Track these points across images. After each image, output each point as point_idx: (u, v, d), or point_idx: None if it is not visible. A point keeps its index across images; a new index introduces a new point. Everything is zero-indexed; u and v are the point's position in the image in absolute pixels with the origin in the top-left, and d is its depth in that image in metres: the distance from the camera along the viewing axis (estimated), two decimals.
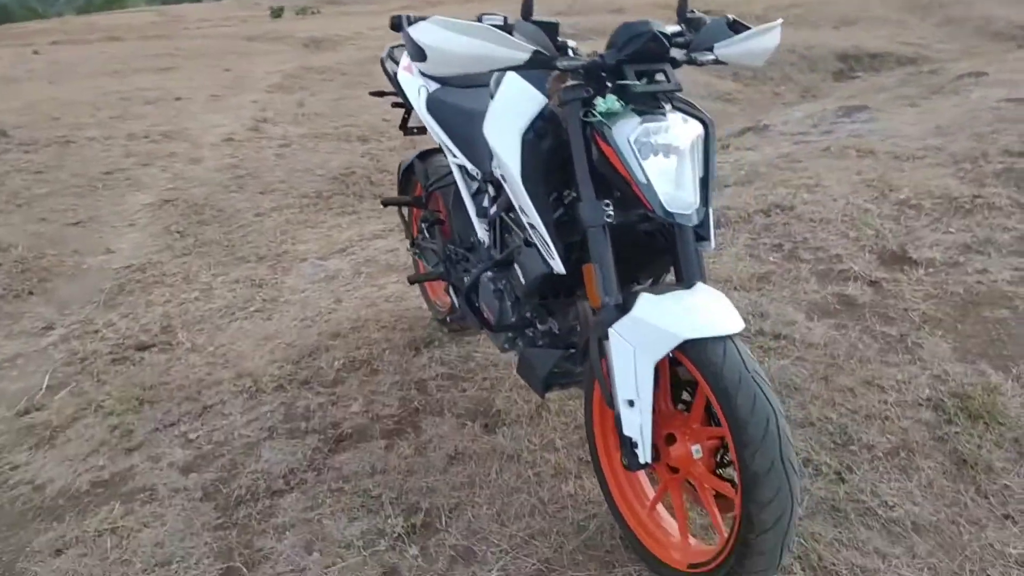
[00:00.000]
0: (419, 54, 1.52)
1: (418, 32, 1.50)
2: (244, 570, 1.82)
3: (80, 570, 1.87)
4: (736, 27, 1.74)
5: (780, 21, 1.80)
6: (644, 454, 1.54)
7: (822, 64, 10.15)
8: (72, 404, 2.68)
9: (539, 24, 1.61)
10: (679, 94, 1.65)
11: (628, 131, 1.53)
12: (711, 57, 1.69)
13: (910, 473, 1.93)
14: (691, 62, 1.68)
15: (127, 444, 2.36)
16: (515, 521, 1.89)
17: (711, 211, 1.70)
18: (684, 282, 1.58)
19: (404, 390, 2.49)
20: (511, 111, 1.76)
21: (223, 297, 3.59)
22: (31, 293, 3.81)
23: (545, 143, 1.71)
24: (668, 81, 1.59)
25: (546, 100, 1.71)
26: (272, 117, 7.12)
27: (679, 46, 1.72)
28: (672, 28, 1.78)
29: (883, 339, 2.50)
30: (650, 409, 1.52)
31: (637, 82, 1.55)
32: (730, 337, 1.47)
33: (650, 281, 1.91)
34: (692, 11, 1.81)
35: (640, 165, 1.52)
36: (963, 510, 1.82)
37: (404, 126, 2.82)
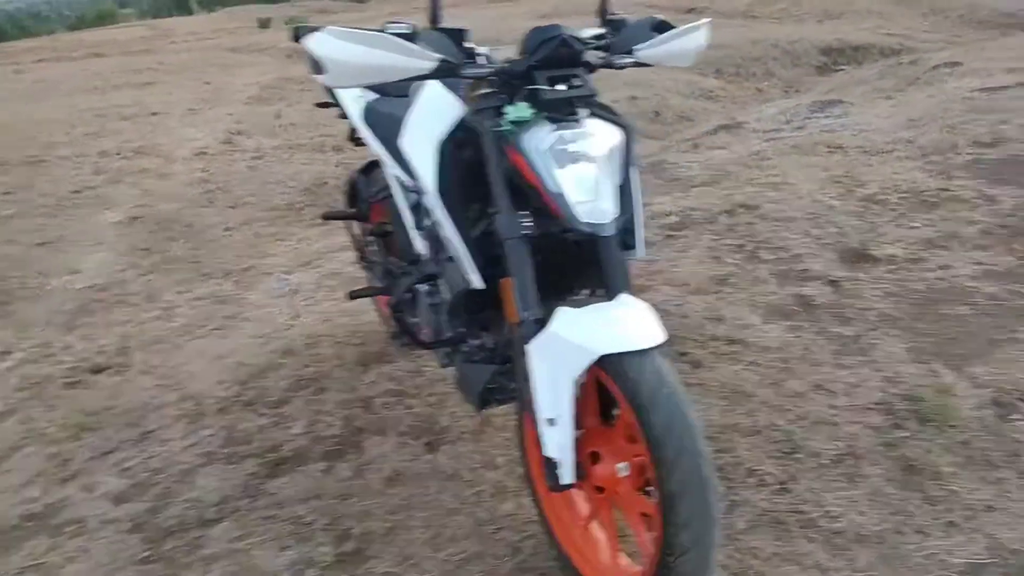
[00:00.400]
0: (317, 66, 1.46)
1: (313, 43, 1.44)
2: None
3: None
4: (662, 28, 1.70)
5: (707, 20, 1.76)
6: (567, 474, 1.48)
7: (805, 58, 10.09)
8: (18, 432, 2.62)
9: (445, 31, 1.56)
10: (597, 99, 1.60)
11: (539, 139, 1.48)
12: (630, 60, 1.65)
13: (856, 481, 1.87)
14: (608, 65, 1.63)
15: (63, 474, 2.30)
16: (450, 544, 1.83)
17: (638, 219, 1.65)
18: (607, 294, 1.53)
19: (349, 408, 2.43)
20: (428, 121, 1.71)
21: (184, 315, 3.53)
22: None
23: (465, 153, 1.66)
24: (582, 86, 1.54)
25: (464, 109, 1.66)
26: (247, 129, 7.08)
27: (600, 49, 1.68)
28: (591, 31, 1.74)
29: (838, 340, 2.43)
30: (571, 427, 1.46)
31: (547, 88, 1.50)
32: (650, 351, 1.41)
33: (588, 292, 1.85)
34: (614, 13, 1.76)
35: (551, 174, 1.47)
36: (908, 518, 1.76)
37: (352, 136, 2.77)
